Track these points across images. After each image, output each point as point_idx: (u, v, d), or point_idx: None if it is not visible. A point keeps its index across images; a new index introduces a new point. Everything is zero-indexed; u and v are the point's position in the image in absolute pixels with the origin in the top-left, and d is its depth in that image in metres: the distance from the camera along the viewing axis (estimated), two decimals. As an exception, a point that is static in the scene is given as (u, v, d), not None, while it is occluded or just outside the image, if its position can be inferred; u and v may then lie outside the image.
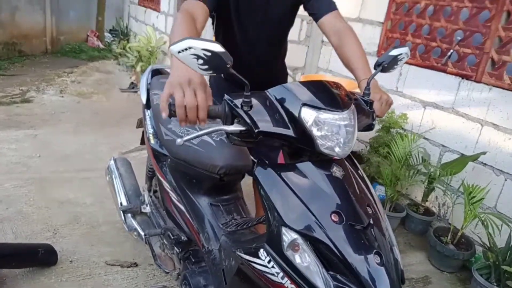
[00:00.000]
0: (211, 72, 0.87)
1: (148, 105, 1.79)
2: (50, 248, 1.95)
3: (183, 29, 1.10)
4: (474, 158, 2.40)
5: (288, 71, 3.33)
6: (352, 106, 1.01)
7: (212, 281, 1.35)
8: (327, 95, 0.99)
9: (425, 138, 2.81)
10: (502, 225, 2.13)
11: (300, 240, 0.90)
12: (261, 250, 0.95)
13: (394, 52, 1.14)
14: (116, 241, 2.22)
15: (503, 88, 2.34)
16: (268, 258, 0.94)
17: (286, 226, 0.91)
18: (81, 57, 7.69)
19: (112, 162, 2.11)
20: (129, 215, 1.85)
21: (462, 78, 2.57)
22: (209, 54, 0.83)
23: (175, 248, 1.60)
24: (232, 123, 0.96)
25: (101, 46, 8.91)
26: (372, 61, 3.24)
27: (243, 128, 0.94)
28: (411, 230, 2.70)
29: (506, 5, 2.32)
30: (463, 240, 2.39)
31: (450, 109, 2.65)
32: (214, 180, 1.41)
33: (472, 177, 2.46)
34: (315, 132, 0.94)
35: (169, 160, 1.60)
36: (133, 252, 2.14)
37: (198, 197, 1.48)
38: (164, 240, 1.67)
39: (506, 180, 2.34)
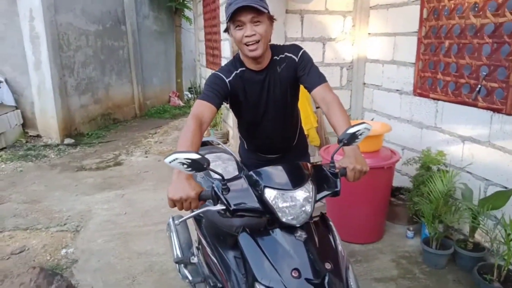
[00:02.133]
0: (193, 172, 1.22)
1: None
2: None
3: (186, 140, 1.45)
4: (514, 191, 2.37)
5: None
6: (309, 182, 1.28)
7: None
8: (287, 175, 1.29)
9: (468, 172, 2.81)
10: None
11: None
12: (244, 299, 1.25)
13: (351, 130, 1.34)
14: (180, 285, 2.63)
15: (534, 119, 2.32)
16: (248, 304, 1.23)
17: (258, 281, 1.20)
18: (165, 117, 8.79)
19: (170, 220, 2.55)
20: (182, 265, 2.24)
21: (493, 111, 2.58)
22: (189, 160, 1.19)
23: (214, 293, 1.93)
24: (217, 204, 1.30)
25: (182, 104, 10.04)
26: (408, 100, 3.35)
27: (224, 207, 1.27)
28: (461, 266, 2.67)
29: (524, 38, 2.36)
30: (512, 277, 2.33)
31: (486, 142, 2.66)
32: (234, 237, 1.73)
33: (517, 210, 2.41)
34: (276, 207, 1.23)
35: (204, 221, 1.98)
36: (193, 296, 2.51)
37: (225, 251, 1.80)
38: (207, 287, 2.01)
39: (552, 212, 2.27)
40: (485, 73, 2.62)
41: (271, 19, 1.70)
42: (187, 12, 10.77)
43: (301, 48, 1.86)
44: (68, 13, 6.42)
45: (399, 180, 3.50)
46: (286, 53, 1.83)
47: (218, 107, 1.72)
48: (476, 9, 2.70)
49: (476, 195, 2.67)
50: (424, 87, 3.22)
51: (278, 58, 1.82)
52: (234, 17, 1.60)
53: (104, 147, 6.25)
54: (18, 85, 6.18)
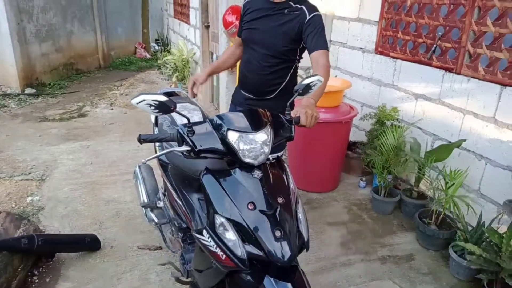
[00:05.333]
0: (160, 114, 1.30)
1: (156, 124, 2.30)
2: (94, 237, 2.53)
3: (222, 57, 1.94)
4: (456, 145, 2.60)
5: (301, 71, 3.73)
6: (267, 127, 1.39)
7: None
8: (247, 120, 1.39)
9: (418, 128, 3.03)
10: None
11: (226, 223, 1.31)
12: (204, 230, 1.38)
13: (306, 81, 1.48)
14: (147, 230, 2.76)
15: (479, 79, 2.52)
16: (207, 236, 1.36)
17: (218, 213, 1.33)
18: (130, 69, 8.54)
19: (137, 168, 2.63)
20: (148, 209, 2.36)
21: (445, 71, 2.76)
22: (157, 102, 1.26)
23: (179, 233, 2.07)
24: (182, 145, 1.39)
25: (148, 56, 9.75)
26: (370, 58, 3.45)
27: (188, 148, 1.37)
28: (406, 213, 2.95)
29: (477, 1, 2.49)
30: (448, 221, 2.61)
31: (437, 100, 2.85)
32: (198, 181, 1.85)
33: (457, 162, 2.67)
34: (237, 147, 1.34)
35: (170, 166, 2.08)
36: (159, 238, 2.65)
37: (190, 194, 1.93)
38: (172, 227, 2.15)
39: (486, 164, 2.52)
40: (440, 33, 2.76)
41: None
42: (154, -43, 10.19)
43: (317, 11, 1.98)
44: (23, -49, 5.95)
45: (357, 135, 3.71)
46: (303, 6, 1.98)
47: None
48: (438, -30, 2.78)
49: (423, 149, 2.90)
50: (385, 45, 3.35)
51: (293, 5, 1.99)
52: None
53: (67, 98, 6.08)
54: (-30, 29, 5.80)
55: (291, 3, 2.00)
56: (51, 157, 3.90)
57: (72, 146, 4.19)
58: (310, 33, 1.91)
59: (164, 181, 2.21)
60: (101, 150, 4.11)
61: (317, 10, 1.98)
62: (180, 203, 1.98)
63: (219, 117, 1.42)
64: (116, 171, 3.65)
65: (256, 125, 1.39)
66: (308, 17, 1.94)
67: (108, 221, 2.87)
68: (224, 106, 4.24)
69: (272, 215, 1.30)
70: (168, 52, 7.36)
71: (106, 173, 3.62)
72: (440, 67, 2.79)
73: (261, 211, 1.30)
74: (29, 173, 3.57)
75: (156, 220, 2.25)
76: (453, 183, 2.41)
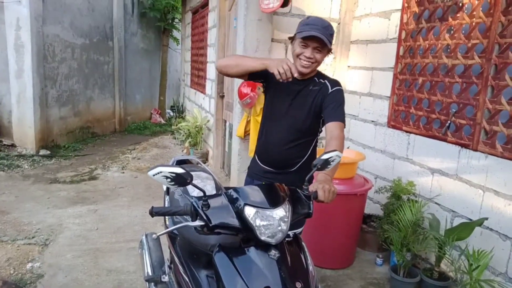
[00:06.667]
0: (176, 186, 1.26)
1: (167, 192, 2.25)
2: (93, 311, 2.37)
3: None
4: (478, 224, 2.48)
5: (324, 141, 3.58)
6: (286, 203, 1.33)
7: None
8: (265, 196, 1.34)
9: (436, 203, 2.92)
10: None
11: None
12: (214, 316, 1.27)
13: (325, 156, 1.43)
14: (149, 305, 2.58)
15: (497, 156, 2.46)
16: (219, 322, 1.24)
17: None
18: (145, 133, 8.73)
19: (144, 237, 2.54)
20: (152, 284, 2.22)
21: (461, 146, 2.73)
22: (174, 175, 1.23)
23: (183, 313, 1.92)
24: (196, 220, 1.33)
25: (163, 121, 10.04)
26: (383, 131, 3.45)
27: (202, 223, 1.31)
28: (427, 296, 2.74)
29: (489, 81, 2.52)
30: (474, 307, 2.40)
31: (454, 175, 2.78)
32: (209, 256, 1.75)
33: (480, 242, 2.52)
34: (254, 224, 1.28)
35: (178, 238, 1.99)
36: (161, 316, 2.47)
37: (198, 270, 1.81)
38: (176, 306, 2.00)
39: (512, 245, 2.38)
40: (454, 110, 2.78)
41: (329, 50, 1.96)
42: (175, 33, 10.93)
43: (339, 86, 2.00)
44: (56, 25, 6.42)
45: (371, 208, 3.60)
46: (326, 81, 2.01)
47: (253, 75, 2.02)
48: (449, 50, 2.88)
49: (443, 226, 2.77)
50: (398, 119, 3.37)
51: (317, 80, 2.02)
52: (303, 37, 1.87)
53: (80, 161, 6.15)
54: (-4, 92, 6.09)
55: (315, 78, 2.03)
56: (57, 221, 3.83)
57: (80, 210, 4.12)
58: (330, 105, 1.91)
59: (171, 252, 2.11)
60: (108, 215, 4.03)
61: (339, 85, 2.00)
62: (187, 280, 1.86)
63: (235, 190, 1.38)
64: (121, 238, 3.53)
65: (273, 200, 1.34)
66: (330, 90, 1.96)
67: (108, 293, 2.72)
68: (235, 173, 4.21)
69: None
70: (183, 118, 7.56)
71: (111, 239, 3.51)
72: (456, 143, 2.76)
73: None
74: (33, 237, 3.48)
75: (160, 297, 2.11)
76: (478, 265, 2.24)
